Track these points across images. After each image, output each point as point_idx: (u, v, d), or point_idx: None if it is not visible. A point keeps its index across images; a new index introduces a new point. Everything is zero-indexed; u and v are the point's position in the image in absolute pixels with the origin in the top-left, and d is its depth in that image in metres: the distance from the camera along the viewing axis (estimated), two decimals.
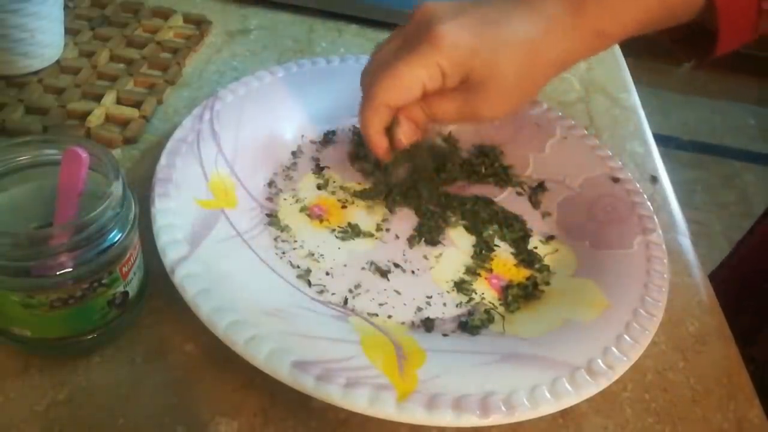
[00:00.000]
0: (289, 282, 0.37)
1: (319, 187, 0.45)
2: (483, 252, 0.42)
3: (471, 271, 0.41)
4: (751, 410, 0.37)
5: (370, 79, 0.38)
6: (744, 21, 0.37)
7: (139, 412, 0.31)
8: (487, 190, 0.46)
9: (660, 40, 0.42)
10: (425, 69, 0.36)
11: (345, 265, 0.40)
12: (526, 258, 0.42)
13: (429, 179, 0.44)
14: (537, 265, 0.41)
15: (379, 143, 0.40)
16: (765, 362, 0.40)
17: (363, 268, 0.40)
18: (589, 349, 0.34)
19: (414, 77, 0.36)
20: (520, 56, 0.36)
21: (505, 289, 0.40)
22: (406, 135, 0.40)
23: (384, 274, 0.39)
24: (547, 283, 0.40)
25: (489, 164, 0.48)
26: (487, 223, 0.44)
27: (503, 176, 0.47)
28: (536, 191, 0.46)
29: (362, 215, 0.43)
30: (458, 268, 0.41)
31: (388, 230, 0.42)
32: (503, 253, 0.42)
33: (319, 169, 0.46)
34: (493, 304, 0.39)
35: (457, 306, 0.38)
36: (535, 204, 0.46)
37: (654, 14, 0.37)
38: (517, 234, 0.43)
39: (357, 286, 0.38)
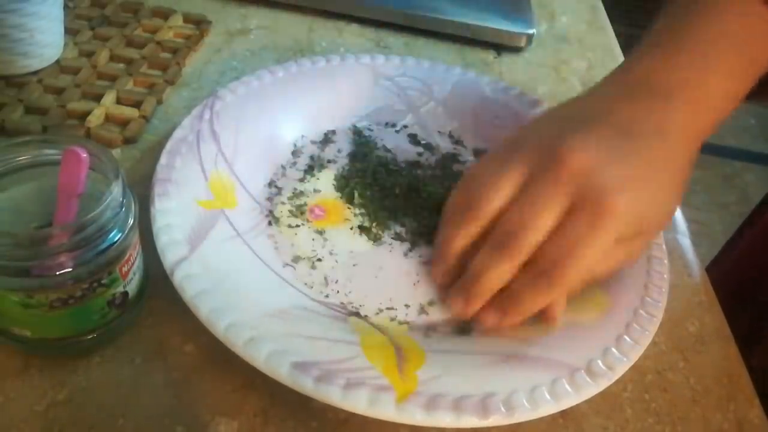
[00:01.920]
0: (288, 283, 0.37)
1: (319, 188, 0.45)
2: None
3: None
4: (751, 410, 0.37)
5: (556, 267, 0.32)
6: None
7: (139, 412, 0.31)
8: None
9: None
10: (609, 243, 0.33)
11: (345, 266, 0.40)
12: None
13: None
14: None
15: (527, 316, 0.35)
16: (763, 369, 0.40)
17: (363, 269, 0.40)
18: (589, 349, 0.34)
19: (598, 257, 0.33)
20: (675, 196, 0.35)
21: None
22: None
23: (384, 274, 0.39)
24: None
25: None
26: None
27: None
28: None
29: (363, 216, 0.43)
30: None
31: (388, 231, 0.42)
32: None
33: (319, 169, 0.46)
34: None
35: None
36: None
37: (754, 81, 0.37)
38: None
39: (357, 287, 0.38)
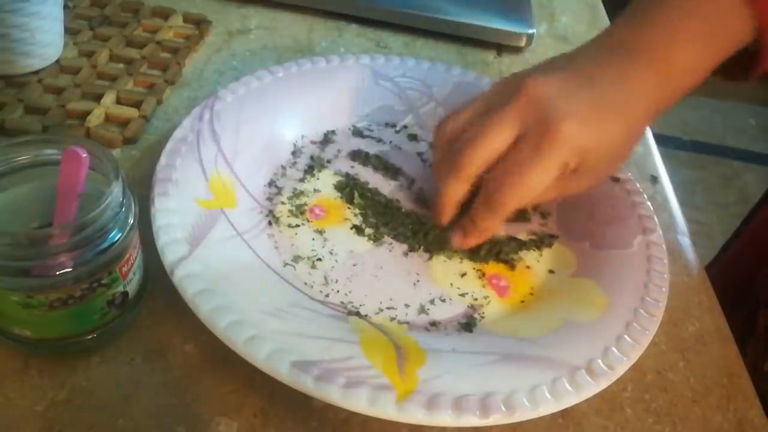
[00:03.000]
0: (288, 282, 0.37)
1: (319, 188, 0.45)
2: (483, 254, 0.42)
3: (471, 272, 0.41)
4: (751, 410, 0.37)
5: (500, 188, 0.35)
6: None
7: (139, 412, 0.31)
8: None
9: None
10: (555, 171, 0.35)
11: (345, 265, 0.40)
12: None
13: None
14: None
15: (483, 240, 0.40)
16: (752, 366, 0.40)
17: (363, 268, 0.40)
18: (590, 349, 0.34)
19: (543, 182, 0.35)
20: (623, 141, 0.37)
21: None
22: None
23: (384, 274, 0.39)
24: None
25: None
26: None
27: None
28: None
29: (362, 216, 0.43)
30: (459, 268, 0.41)
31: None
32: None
33: (319, 169, 0.46)
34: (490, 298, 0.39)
35: (457, 306, 0.38)
36: (535, 204, 0.46)
37: (721, 58, 0.38)
38: (510, 253, 0.42)
39: (357, 287, 0.38)
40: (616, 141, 0.37)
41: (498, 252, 0.42)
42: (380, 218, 0.43)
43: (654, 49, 0.37)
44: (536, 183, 0.35)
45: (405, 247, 0.41)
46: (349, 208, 0.43)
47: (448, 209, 0.39)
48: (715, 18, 0.37)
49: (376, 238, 0.42)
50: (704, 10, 0.37)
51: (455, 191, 0.38)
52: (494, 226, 0.38)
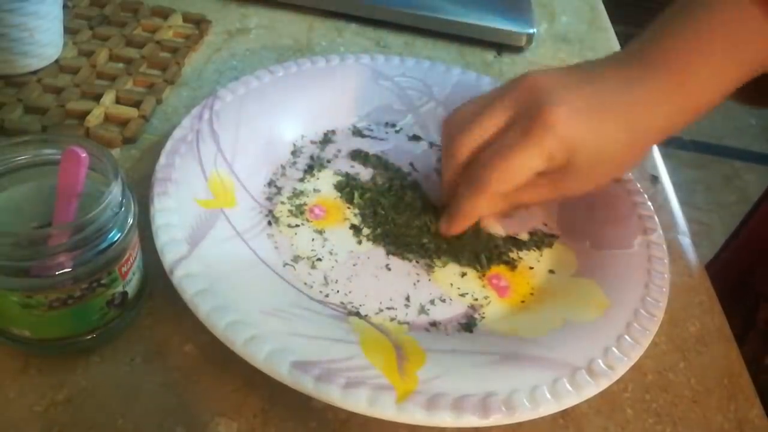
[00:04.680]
0: (288, 282, 0.37)
1: (319, 188, 0.45)
2: (482, 257, 0.42)
3: (471, 272, 0.41)
4: (752, 410, 0.37)
5: (484, 169, 0.36)
6: None
7: (139, 412, 0.31)
8: None
9: None
10: (539, 158, 0.35)
11: (345, 266, 0.40)
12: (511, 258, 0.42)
13: None
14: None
15: (467, 224, 0.40)
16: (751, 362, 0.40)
17: (363, 268, 0.40)
18: (590, 349, 0.34)
19: (528, 167, 0.35)
20: (622, 146, 0.36)
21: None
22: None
23: (384, 274, 0.39)
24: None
25: None
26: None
27: None
28: None
29: (362, 216, 0.43)
30: (459, 268, 0.41)
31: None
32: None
33: (319, 169, 0.46)
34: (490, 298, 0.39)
35: (457, 306, 0.38)
36: (529, 205, 0.45)
37: (743, 77, 0.37)
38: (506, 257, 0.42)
39: (357, 287, 0.38)
40: (611, 144, 0.36)
41: (499, 255, 0.42)
42: (380, 218, 0.43)
43: (673, 61, 0.36)
44: (518, 166, 0.35)
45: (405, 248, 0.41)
46: (349, 208, 0.43)
47: (468, 222, 0.39)
48: (741, 35, 0.36)
49: (376, 239, 0.42)
50: (730, 28, 0.36)
51: (481, 209, 0.38)
52: (478, 209, 0.38)
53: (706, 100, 0.37)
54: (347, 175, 0.46)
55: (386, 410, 0.29)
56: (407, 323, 0.37)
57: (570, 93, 0.35)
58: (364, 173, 0.46)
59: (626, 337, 0.34)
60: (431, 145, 0.49)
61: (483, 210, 0.38)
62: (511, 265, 0.41)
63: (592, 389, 0.32)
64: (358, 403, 0.29)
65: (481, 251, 0.41)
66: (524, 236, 0.43)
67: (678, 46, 0.36)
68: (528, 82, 0.36)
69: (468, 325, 0.37)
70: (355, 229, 0.42)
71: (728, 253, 0.63)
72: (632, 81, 0.36)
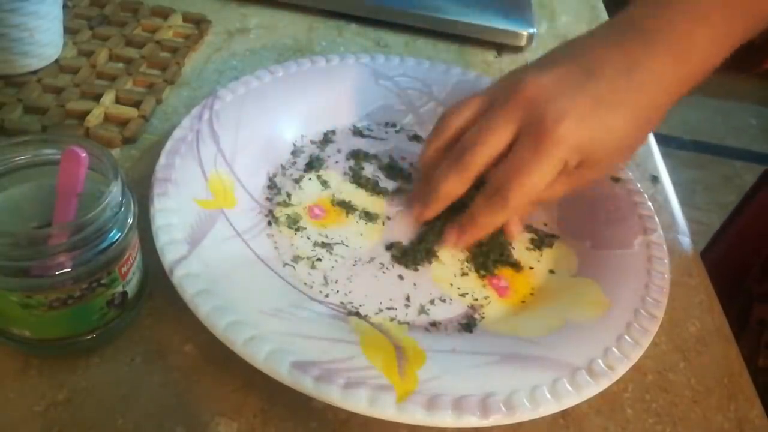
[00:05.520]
0: (288, 282, 0.37)
1: (319, 187, 0.45)
2: (482, 258, 0.42)
3: (471, 272, 0.41)
4: (752, 410, 0.37)
5: (503, 188, 0.36)
6: None
7: (139, 413, 0.31)
8: None
9: None
10: (556, 168, 0.35)
11: (344, 266, 0.39)
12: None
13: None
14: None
15: (482, 234, 0.40)
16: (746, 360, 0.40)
17: (363, 268, 0.40)
18: (590, 349, 0.34)
19: (546, 180, 0.36)
20: (631, 131, 0.36)
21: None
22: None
23: (384, 274, 0.39)
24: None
25: None
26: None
27: None
28: None
29: (362, 216, 0.43)
30: (459, 269, 0.41)
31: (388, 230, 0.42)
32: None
33: (318, 169, 0.46)
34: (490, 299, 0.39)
35: (457, 306, 0.38)
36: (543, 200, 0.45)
37: (743, 39, 0.37)
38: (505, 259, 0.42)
39: (357, 287, 0.38)
40: (621, 133, 0.36)
41: (501, 254, 0.42)
42: (380, 218, 0.43)
43: (674, 30, 0.36)
44: (537, 182, 0.35)
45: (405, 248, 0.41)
46: (348, 208, 0.43)
47: (442, 206, 0.39)
48: (739, 5, 0.36)
49: (376, 239, 0.41)
50: None
51: (455, 189, 0.38)
52: (493, 223, 0.38)
53: (707, 66, 0.37)
54: (346, 175, 0.46)
55: (386, 410, 0.29)
56: (407, 323, 0.37)
57: (571, 100, 0.35)
58: (364, 173, 0.46)
59: (626, 337, 0.34)
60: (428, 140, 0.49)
61: (500, 221, 0.38)
62: (517, 267, 0.41)
63: (592, 389, 0.32)
64: (358, 403, 0.29)
65: (492, 256, 0.41)
66: (525, 236, 0.43)
67: (676, 17, 0.36)
68: (525, 93, 0.36)
69: (468, 325, 0.37)
70: (355, 229, 0.42)
71: (719, 249, 0.62)
72: (631, 65, 0.36)
